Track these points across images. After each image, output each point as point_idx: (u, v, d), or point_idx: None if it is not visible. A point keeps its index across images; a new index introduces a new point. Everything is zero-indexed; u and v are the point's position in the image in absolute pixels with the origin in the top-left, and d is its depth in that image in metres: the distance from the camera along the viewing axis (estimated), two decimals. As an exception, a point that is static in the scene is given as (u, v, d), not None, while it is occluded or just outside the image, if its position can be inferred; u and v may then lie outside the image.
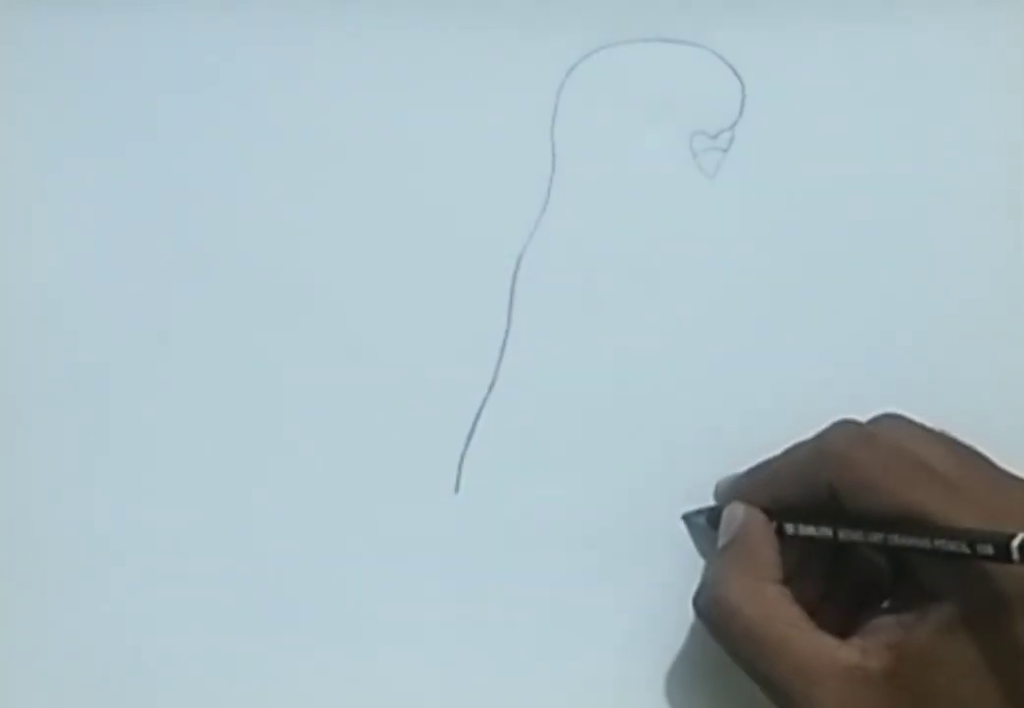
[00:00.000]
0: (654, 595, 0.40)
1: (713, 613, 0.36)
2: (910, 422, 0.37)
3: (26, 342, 0.41)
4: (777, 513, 0.37)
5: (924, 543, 0.33)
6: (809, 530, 0.36)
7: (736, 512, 0.38)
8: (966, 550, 0.32)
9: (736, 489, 0.39)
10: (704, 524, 0.40)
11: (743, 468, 0.39)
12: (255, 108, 0.42)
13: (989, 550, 0.32)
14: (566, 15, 0.42)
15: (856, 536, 0.35)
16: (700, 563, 0.40)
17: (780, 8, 0.42)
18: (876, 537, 0.34)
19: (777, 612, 0.35)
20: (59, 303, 0.42)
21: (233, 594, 0.40)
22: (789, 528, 0.37)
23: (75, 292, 0.42)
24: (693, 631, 0.40)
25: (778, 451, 0.38)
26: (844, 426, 0.36)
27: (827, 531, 0.36)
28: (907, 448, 0.35)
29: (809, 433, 0.38)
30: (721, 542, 0.38)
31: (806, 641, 0.35)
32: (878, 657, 0.34)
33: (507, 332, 0.41)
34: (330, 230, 0.42)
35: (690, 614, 0.40)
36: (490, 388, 0.41)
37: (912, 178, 0.42)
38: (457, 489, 0.40)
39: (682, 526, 0.40)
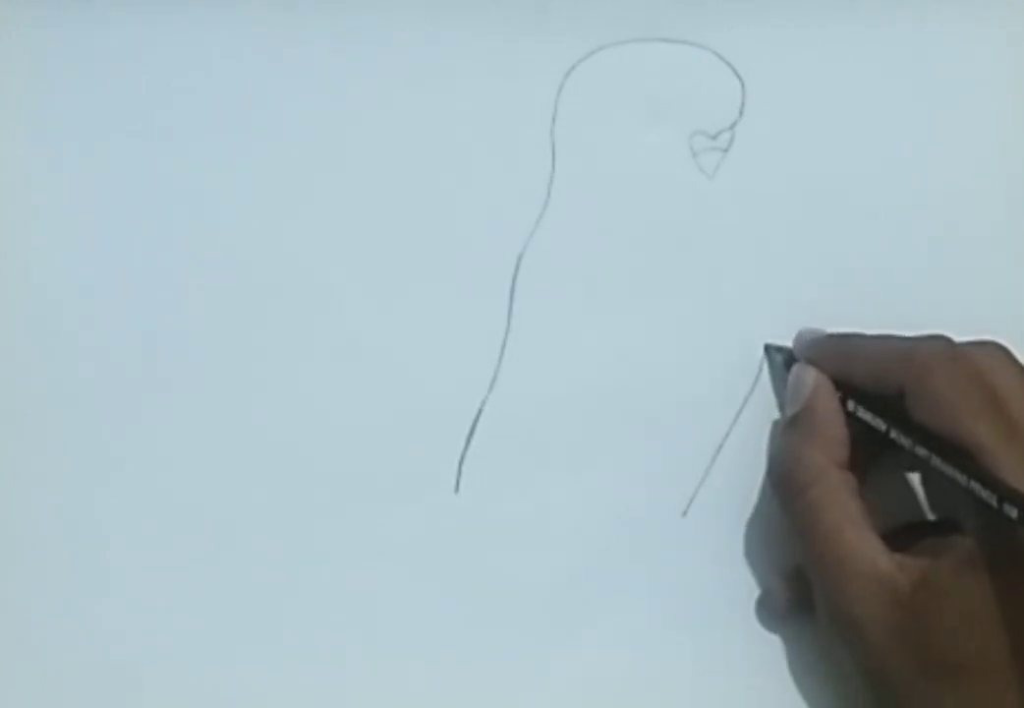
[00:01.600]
0: (654, 595, 0.40)
1: (783, 488, 0.38)
2: (1008, 357, 0.37)
3: (22, 343, 0.41)
4: (842, 386, 0.38)
5: (960, 479, 0.34)
6: (866, 416, 0.37)
7: (806, 377, 0.38)
8: (993, 503, 0.33)
9: (814, 348, 0.39)
10: (780, 364, 0.40)
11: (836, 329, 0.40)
12: (254, 108, 0.42)
13: (1013, 513, 0.32)
14: (566, 15, 0.42)
15: (905, 442, 0.36)
16: (700, 564, 0.40)
17: (780, 8, 0.42)
18: (922, 452, 0.35)
19: (838, 500, 0.36)
20: (56, 303, 0.41)
21: (231, 594, 0.40)
22: (849, 405, 0.37)
23: (72, 292, 0.41)
24: (694, 630, 0.40)
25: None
26: (940, 340, 0.37)
27: (881, 425, 0.36)
28: (989, 380, 0.35)
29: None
30: (791, 409, 0.39)
31: (855, 537, 0.36)
32: (909, 577, 0.35)
33: (507, 332, 0.41)
34: (330, 230, 0.42)
35: (690, 614, 0.40)
36: (490, 388, 0.41)
37: (913, 178, 0.42)
38: (457, 489, 0.40)
39: (681, 526, 0.40)
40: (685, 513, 0.40)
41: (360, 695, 0.39)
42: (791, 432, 0.38)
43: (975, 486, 0.33)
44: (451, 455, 0.40)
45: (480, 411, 0.41)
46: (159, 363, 0.41)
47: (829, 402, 0.38)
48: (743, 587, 0.40)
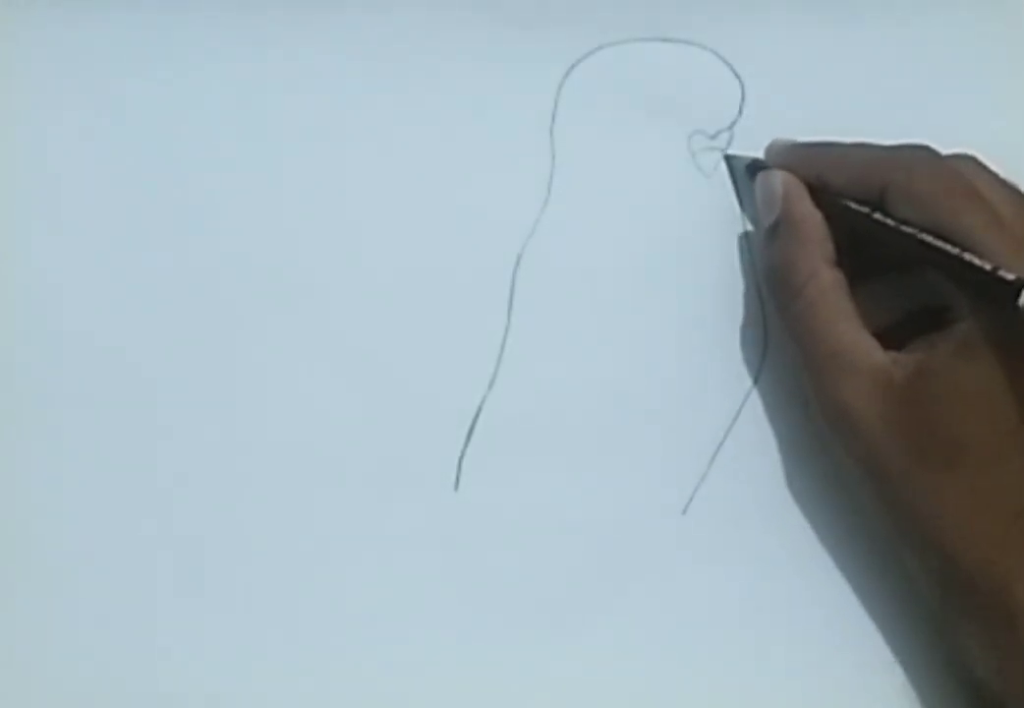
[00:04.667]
0: (654, 594, 0.40)
1: (780, 294, 0.38)
2: (984, 167, 0.38)
3: (22, 342, 0.41)
4: (817, 191, 0.38)
5: (953, 250, 0.34)
6: (849, 203, 0.37)
7: (774, 182, 0.39)
8: (987, 267, 0.33)
9: (787, 154, 0.40)
10: (743, 170, 0.41)
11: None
12: (253, 107, 0.42)
13: (1010, 276, 0.33)
14: (566, 15, 0.43)
15: (891, 223, 0.36)
16: (700, 563, 0.40)
17: (780, 8, 0.43)
18: (909, 230, 0.36)
19: (831, 298, 0.37)
20: (57, 302, 0.41)
21: (230, 593, 0.40)
22: (828, 202, 0.38)
23: (73, 291, 0.41)
24: (694, 629, 0.40)
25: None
26: (920, 147, 0.38)
27: (865, 210, 0.37)
28: (969, 180, 0.36)
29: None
30: (767, 217, 0.39)
31: (850, 333, 0.37)
32: (904, 368, 0.36)
33: (507, 331, 0.41)
34: (329, 229, 0.42)
35: (690, 613, 0.40)
36: (490, 386, 0.41)
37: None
38: (457, 486, 0.40)
39: (681, 525, 0.40)
40: (685, 512, 0.40)
41: (359, 694, 0.39)
42: (776, 238, 0.39)
43: (969, 255, 0.34)
44: (451, 453, 0.40)
45: (480, 409, 0.41)
46: (160, 363, 0.41)
47: (804, 203, 0.38)
48: (743, 586, 0.40)
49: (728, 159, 0.41)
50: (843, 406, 0.36)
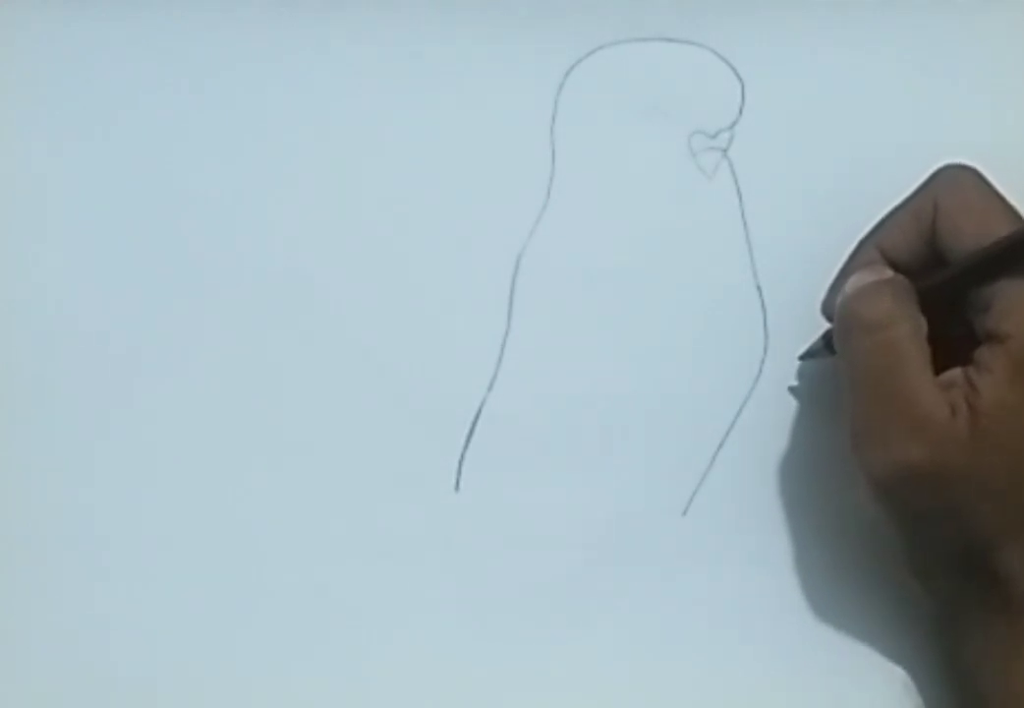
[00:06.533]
0: (654, 595, 0.40)
1: (859, 320, 0.36)
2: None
3: (22, 343, 0.41)
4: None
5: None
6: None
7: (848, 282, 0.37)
8: None
9: (833, 287, 0.39)
10: (824, 351, 0.39)
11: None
12: (254, 107, 0.42)
13: None
14: (566, 15, 0.42)
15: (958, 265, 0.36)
16: (700, 564, 0.40)
17: (780, 8, 0.42)
18: (970, 255, 0.35)
19: (916, 345, 0.35)
20: (56, 304, 0.42)
21: (231, 592, 0.40)
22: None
23: (72, 292, 0.42)
24: (693, 629, 0.40)
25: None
26: (955, 165, 0.38)
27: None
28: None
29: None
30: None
31: (927, 388, 0.34)
32: (964, 418, 0.34)
33: (507, 332, 0.41)
34: (329, 230, 0.42)
35: (690, 613, 0.40)
36: (490, 388, 0.41)
37: (913, 177, 0.42)
38: (457, 487, 0.40)
39: (681, 526, 0.40)
40: (685, 513, 0.40)
41: (358, 694, 0.39)
42: (861, 275, 0.37)
43: None
44: (451, 454, 0.40)
45: (480, 410, 0.41)
46: (158, 363, 0.41)
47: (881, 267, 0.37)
48: (743, 587, 0.40)
49: (803, 358, 0.40)
50: (915, 465, 0.34)
